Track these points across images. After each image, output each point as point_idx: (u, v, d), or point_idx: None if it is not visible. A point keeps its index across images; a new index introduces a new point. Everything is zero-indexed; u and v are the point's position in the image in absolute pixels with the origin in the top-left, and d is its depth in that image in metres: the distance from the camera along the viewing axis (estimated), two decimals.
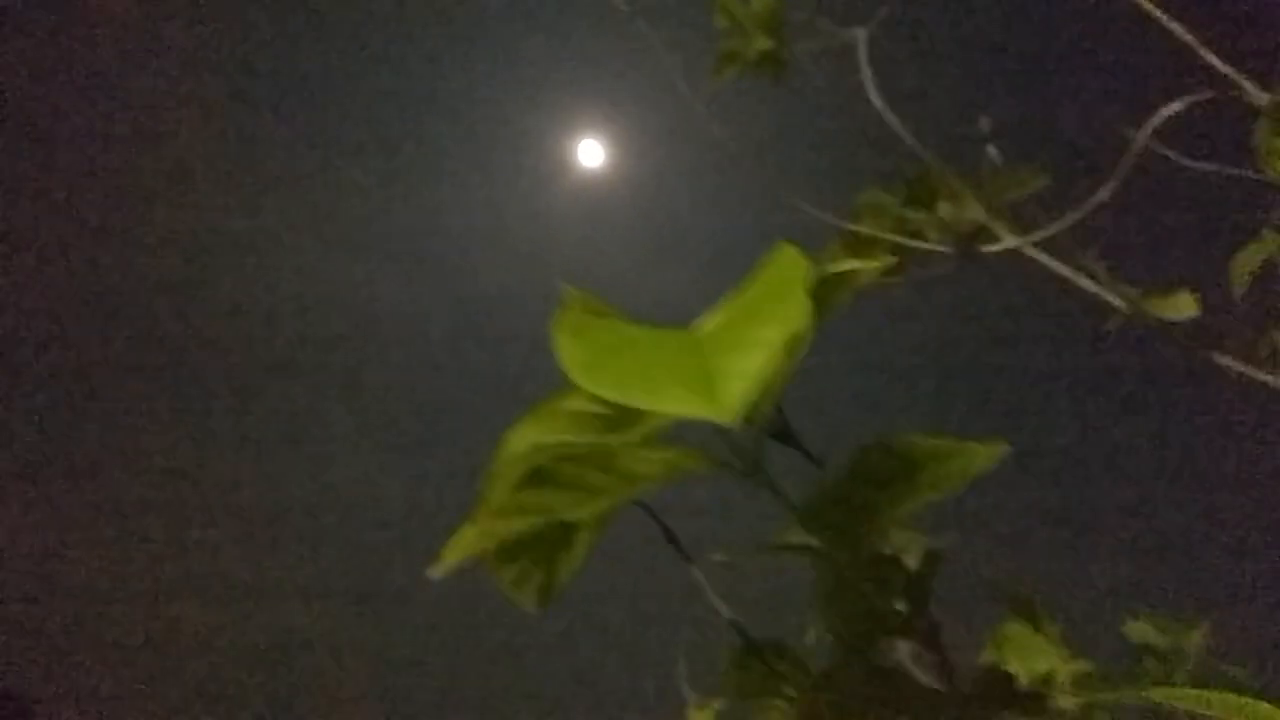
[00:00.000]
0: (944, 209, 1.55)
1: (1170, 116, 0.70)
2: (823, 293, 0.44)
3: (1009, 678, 0.47)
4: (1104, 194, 0.81)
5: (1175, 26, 0.76)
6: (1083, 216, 0.87)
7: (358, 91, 3.42)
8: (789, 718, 0.53)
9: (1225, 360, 1.30)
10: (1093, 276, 1.33)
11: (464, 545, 0.41)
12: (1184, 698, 0.45)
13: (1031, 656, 1.14)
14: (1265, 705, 0.43)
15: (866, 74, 1.52)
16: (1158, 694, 0.45)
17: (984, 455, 0.41)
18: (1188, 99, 0.71)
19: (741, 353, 0.32)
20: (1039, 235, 0.99)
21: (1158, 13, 0.77)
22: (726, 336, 0.33)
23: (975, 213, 1.46)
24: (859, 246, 1.46)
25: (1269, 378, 1.27)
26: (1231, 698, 0.44)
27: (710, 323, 0.35)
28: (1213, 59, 0.74)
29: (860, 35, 1.54)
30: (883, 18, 1.53)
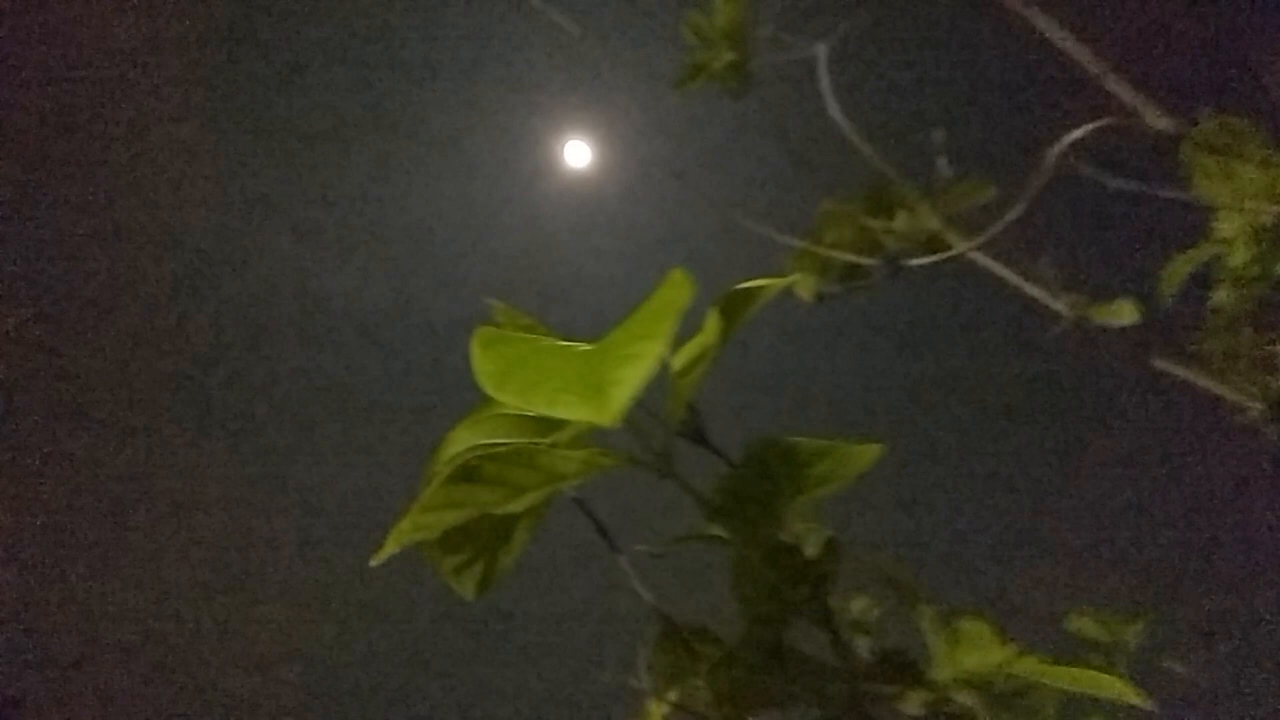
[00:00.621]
0: (901, 219, 1.60)
1: (1082, 138, 0.76)
2: (730, 307, 0.49)
3: (901, 657, 0.51)
4: (1016, 212, 0.86)
5: (1086, 57, 0.81)
6: (1002, 227, 0.92)
7: (339, 91, 3.43)
8: (701, 694, 0.57)
9: (1164, 365, 1.35)
10: (1041, 283, 1.39)
11: (400, 536, 0.46)
12: (1046, 673, 0.50)
13: (981, 650, 1.19)
14: (1106, 677, 0.48)
15: (826, 87, 1.57)
16: (1022, 666, 0.50)
17: (862, 455, 0.46)
18: (1090, 125, 0.76)
19: (624, 365, 0.36)
20: (976, 241, 1.04)
21: (1072, 46, 0.81)
22: (613, 351, 0.38)
23: (931, 222, 1.51)
24: (808, 258, 1.51)
25: (1209, 383, 1.33)
26: (1081, 672, 0.49)
27: (604, 339, 0.40)
28: (1120, 87, 0.79)
29: (820, 50, 1.59)
30: (841, 34, 1.58)
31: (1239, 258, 0.96)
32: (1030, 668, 0.52)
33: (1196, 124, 0.95)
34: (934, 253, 1.58)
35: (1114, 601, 1.34)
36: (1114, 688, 0.50)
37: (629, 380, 0.35)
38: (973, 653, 1.23)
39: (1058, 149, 0.77)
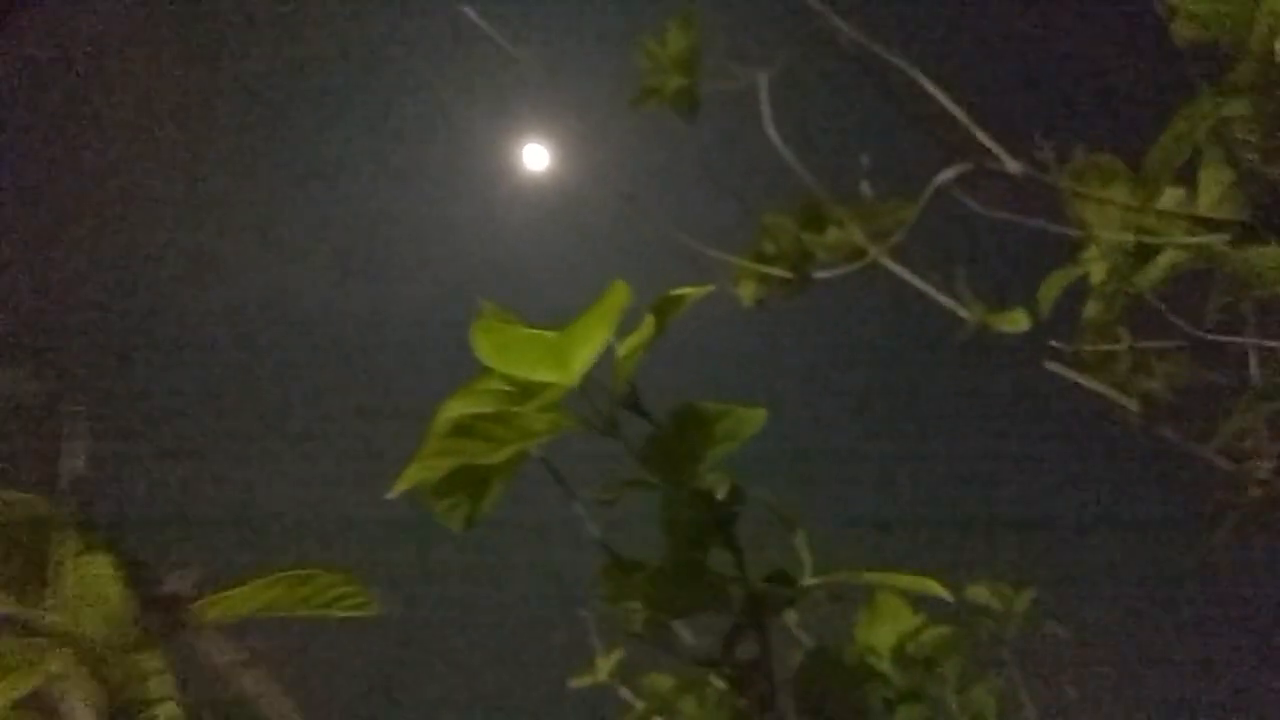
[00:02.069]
0: (832, 233, 1.78)
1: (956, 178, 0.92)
2: (661, 309, 0.65)
3: (785, 576, 0.67)
4: (897, 237, 1.03)
5: (950, 105, 0.97)
6: (892, 243, 1.09)
7: (293, 92, 3.52)
8: (640, 614, 0.73)
9: (1055, 368, 1.53)
10: (952, 295, 1.56)
11: (410, 476, 0.61)
12: (881, 579, 0.66)
13: (895, 618, 1.36)
14: (921, 578, 0.64)
15: (766, 112, 1.74)
16: (870, 576, 0.66)
17: (751, 418, 0.61)
18: (953, 169, 0.92)
19: (581, 345, 0.52)
20: (877, 252, 1.21)
21: (944, 100, 0.98)
22: (573, 337, 0.54)
23: (857, 237, 1.68)
24: (749, 268, 1.68)
25: (1093, 384, 1.51)
26: (904, 575, 0.65)
27: (565, 330, 0.56)
28: (979, 133, 0.95)
29: (762, 79, 1.75)
30: (781, 65, 1.74)
31: (1098, 275, 1.13)
32: (865, 576, 0.66)
33: (1066, 161, 1.12)
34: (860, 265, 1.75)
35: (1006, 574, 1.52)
36: (924, 585, 0.65)
37: (584, 355, 0.52)
38: (887, 623, 1.41)
39: (931, 187, 0.93)
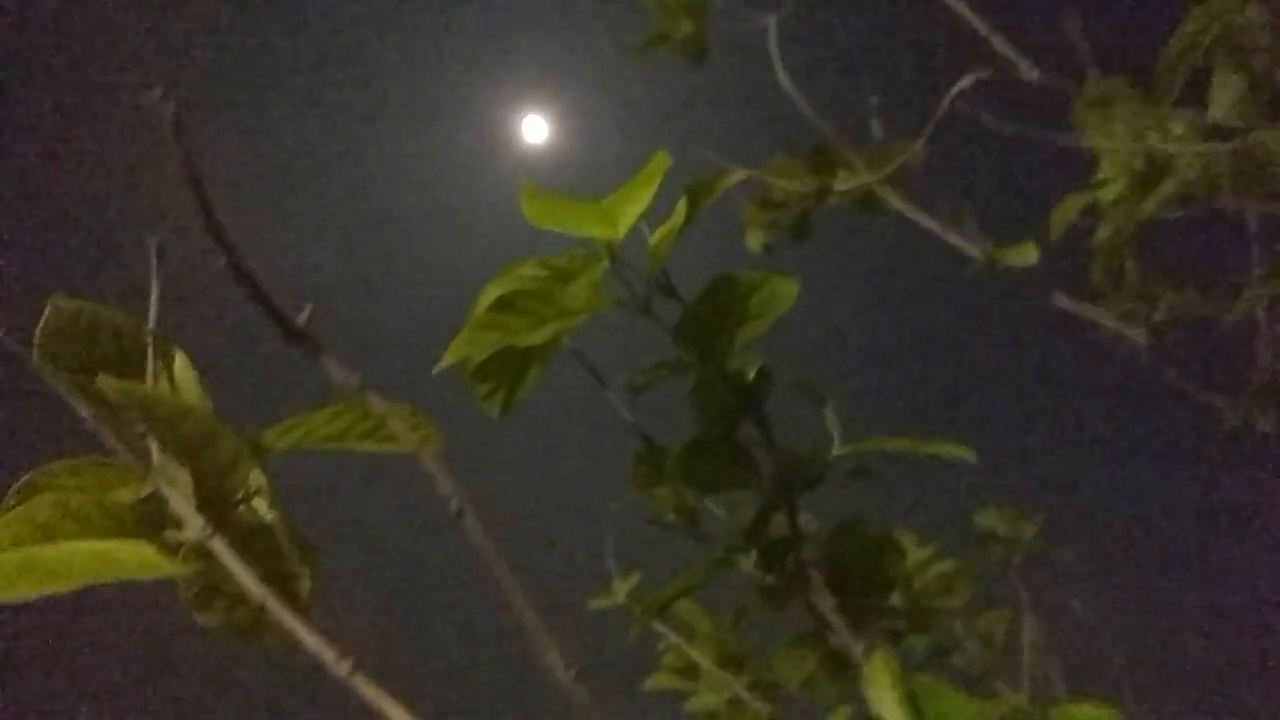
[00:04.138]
0: (842, 175, 1.80)
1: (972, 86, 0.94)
2: (694, 195, 0.67)
3: (811, 446, 0.69)
4: (918, 145, 1.05)
5: (968, 13, 0.99)
6: (902, 161, 1.11)
7: (291, 63, 3.52)
8: (668, 494, 0.76)
9: (1063, 301, 1.56)
10: (960, 231, 1.59)
11: (455, 351, 0.63)
12: (897, 444, 0.68)
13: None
14: (941, 442, 0.66)
15: (776, 55, 1.75)
16: (896, 444, 0.68)
17: (784, 291, 0.64)
18: (972, 75, 0.94)
19: (625, 205, 0.55)
20: (876, 176, 1.23)
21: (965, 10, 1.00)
22: (617, 202, 0.56)
23: (866, 179, 1.70)
24: (757, 213, 1.70)
25: (1100, 315, 1.53)
26: (931, 444, 0.67)
27: (611, 196, 0.58)
28: (1003, 46, 0.97)
29: (771, 21, 1.76)
30: (789, 10, 1.76)
31: (1111, 194, 1.15)
32: (891, 444, 0.68)
33: (1080, 81, 1.14)
34: (870, 207, 1.78)
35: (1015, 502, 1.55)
36: (946, 448, 0.67)
37: (629, 214, 0.54)
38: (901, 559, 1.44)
39: (949, 96, 0.95)
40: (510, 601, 0.31)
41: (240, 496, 0.38)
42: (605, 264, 0.62)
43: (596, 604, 1.35)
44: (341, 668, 0.34)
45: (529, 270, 0.67)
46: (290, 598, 0.38)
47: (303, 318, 0.37)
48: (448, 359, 0.63)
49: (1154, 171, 1.10)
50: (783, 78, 1.72)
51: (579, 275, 0.65)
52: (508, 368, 0.71)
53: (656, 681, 1.29)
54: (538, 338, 0.66)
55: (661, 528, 0.81)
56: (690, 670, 1.24)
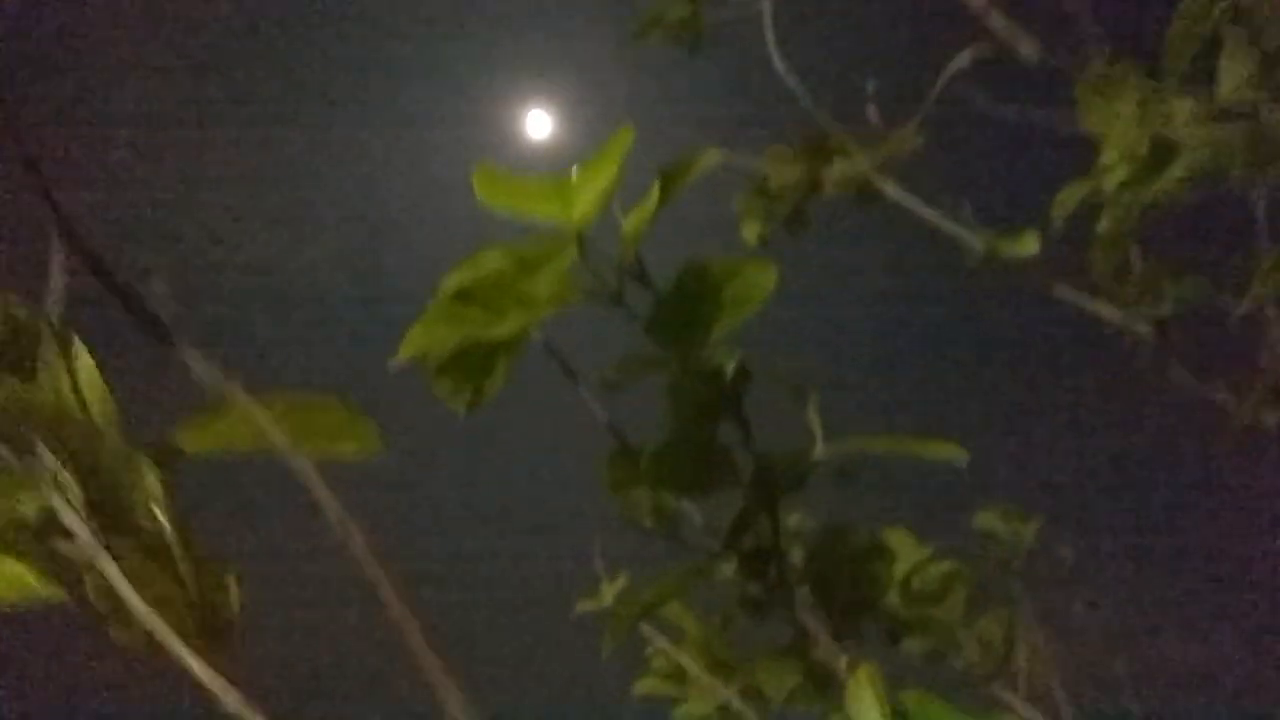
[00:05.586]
0: (838, 163, 1.75)
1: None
2: (670, 176, 0.63)
3: (794, 445, 0.65)
4: (912, 129, 1.00)
5: None
6: (899, 146, 1.07)
7: (292, 57, 3.48)
8: (645, 502, 0.72)
9: (1065, 292, 1.51)
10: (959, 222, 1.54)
11: (411, 343, 0.59)
12: (887, 443, 0.64)
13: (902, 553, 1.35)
14: (933, 443, 0.62)
15: (771, 40, 1.71)
16: (883, 443, 0.64)
17: (761, 279, 0.59)
18: (967, 51, 0.90)
19: (585, 185, 0.50)
20: (870, 165, 1.19)
21: None
22: (578, 183, 0.52)
23: (863, 167, 1.65)
24: (753, 204, 1.66)
25: (1104, 308, 1.49)
26: (920, 444, 0.63)
27: (575, 172, 0.54)
28: (998, 22, 0.93)
29: (765, 5, 1.72)
30: None
31: (1114, 180, 1.11)
32: (878, 443, 0.64)
33: (1084, 61, 1.10)
34: (868, 197, 1.73)
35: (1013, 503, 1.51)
36: (936, 449, 0.63)
37: (590, 195, 0.50)
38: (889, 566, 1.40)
39: (945, 74, 0.91)
40: (405, 639, 0.26)
41: (131, 507, 0.34)
42: (573, 251, 0.58)
43: (582, 608, 1.32)
44: (230, 702, 0.30)
45: (491, 258, 0.63)
46: (196, 621, 0.34)
47: (158, 292, 0.32)
48: (403, 353, 0.59)
49: (1160, 155, 1.06)
50: (778, 62, 1.68)
51: (545, 263, 0.61)
52: (472, 363, 0.67)
53: (645, 687, 1.25)
54: (501, 331, 0.62)
55: (640, 532, 0.77)
56: (679, 675, 1.20)
